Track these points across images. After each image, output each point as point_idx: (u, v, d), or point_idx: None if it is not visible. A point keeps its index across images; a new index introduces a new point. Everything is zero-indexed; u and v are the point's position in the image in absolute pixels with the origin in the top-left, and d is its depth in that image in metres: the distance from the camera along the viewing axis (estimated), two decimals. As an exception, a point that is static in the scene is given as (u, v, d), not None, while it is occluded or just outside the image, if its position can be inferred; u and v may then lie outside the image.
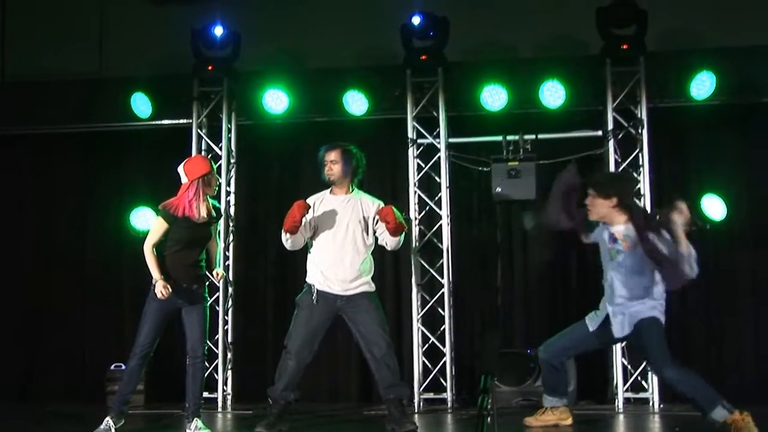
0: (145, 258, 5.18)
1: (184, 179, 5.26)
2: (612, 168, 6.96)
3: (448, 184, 7.28)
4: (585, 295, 7.30)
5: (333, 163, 5.34)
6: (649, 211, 4.93)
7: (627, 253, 4.95)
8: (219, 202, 7.29)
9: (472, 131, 7.39)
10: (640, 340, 4.95)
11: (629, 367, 6.84)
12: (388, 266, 7.65)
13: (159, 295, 5.13)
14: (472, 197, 7.71)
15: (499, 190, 7.05)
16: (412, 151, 7.35)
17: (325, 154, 5.36)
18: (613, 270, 5.02)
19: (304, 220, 5.28)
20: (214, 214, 5.37)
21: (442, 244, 7.21)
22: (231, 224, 7.55)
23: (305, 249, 5.51)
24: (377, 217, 5.31)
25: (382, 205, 5.34)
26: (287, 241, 5.33)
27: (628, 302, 4.95)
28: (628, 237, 4.96)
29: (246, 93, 7.56)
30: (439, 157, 7.29)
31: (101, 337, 7.84)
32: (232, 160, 7.62)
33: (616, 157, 7.01)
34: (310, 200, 5.45)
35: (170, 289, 5.13)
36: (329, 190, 5.46)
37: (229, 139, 7.59)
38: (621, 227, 5.00)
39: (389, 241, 5.38)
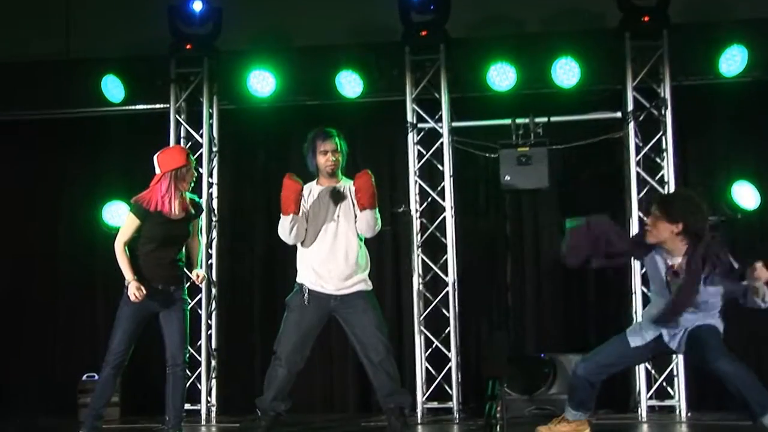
0: (117, 257, 5.18)
1: (158, 170, 5.25)
2: (632, 153, 6.95)
3: (451, 172, 7.26)
4: (604, 290, 7.40)
5: (335, 153, 5.37)
6: (735, 264, 4.79)
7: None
8: (200, 196, 7.31)
9: (478, 114, 7.38)
10: (694, 343, 4.85)
11: (653, 372, 6.82)
12: (386, 263, 7.66)
13: (132, 298, 5.12)
14: (479, 187, 7.70)
15: (507, 178, 7.04)
16: (411, 137, 7.33)
17: (321, 143, 5.36)
18: (669, 297, 4.88)
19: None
20: (192, 210, 5.36)
21: (446, 238, 7.18)
22: (213, 219, 7.52)
23: (294, 246, 5.53)
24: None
25: None
26: (290, 225, 5.25)
27: (684, 315, 4.84)
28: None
29: (228, 74, 7.55)
30: (441, 143, 7.28)
31: (73, 343, 7.83)
32: (214, 149, 7.60)
33: (637, 141, 6.99)
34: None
35: (144, 291, 5.12)
36: (315, 180, 5.47)
37: (211, 126, 7.57)
38: (682, 260, 4.81)
39: (362, 220, 5.32)
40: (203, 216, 7.01)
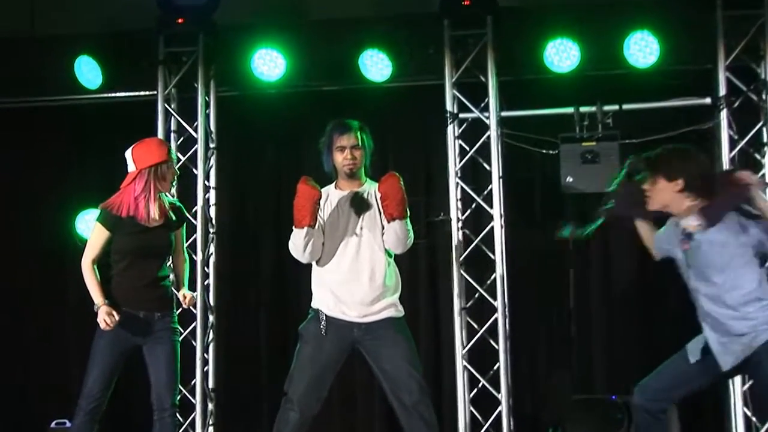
0: (84, 277, 5.17)
1: (131, 167, 5.25)
2: (725, 148, 6.94)
3: (501, 173, 7.26)
4: (690, 316, 7.30)
5: (355, 149, 5.35)
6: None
7: (708, 251, 4.88)
8: (194, 202, 7.54)
9: (533, 101, 7.40)
10: (760, 370, 4.86)
11: (754, 420, 6.75)
12: (421, 283, 7.72)
13: (102, 326, 5.09)
14: (534, 190, 7.72)
15: (570, 180, 7.10)
16: (452, 130, 7.34)
17: (339, 137, 5.36)
18: (696, 280, 4.98)
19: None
20: (173, 216, 5.35)
21: (493, 253, 7.17)
22: (211, 230, 7.55)
23: (309, 264, 5.50)
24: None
25: None
26: (305, 241, 5.24)
27: (729, 321, 4.88)
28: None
29: (229, 54, 7.59)
30: (488, 137, 7.28)
31: (40, 382, 7.88)
32: (212, 145, 7.63)
33: (731, 132, 6.98)
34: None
35: (116, 318, 5.09)
36: (333, 183, 5.47)
37: (207, 117, 7.60)
38: (694, 218, 4.94)
39: (390, 233, 5.26)
40: (199, 228, 7.38)
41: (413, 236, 5.35)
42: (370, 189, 5.44)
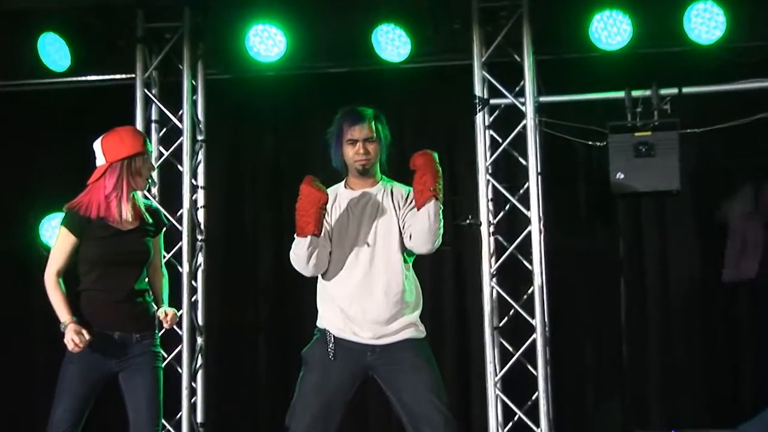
0: (48, 293, 5.12)
1: (100, 160, 5.21)
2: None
3: (539, 168, 7.25)
4: (762, 336, 7.38)
5: (369, 142, 5.30)
6: None
7: None
8: (180, 204, 7.54)
9: (577, 84, 7.41)
10: None
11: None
12: (446, 298, 7.74)
13: (70, 347, 5.02)
14: (578, 189, 7.75)
15: (620, 176, 7.08)
16: (481, 118, 7.34)
17: (349, 128, 5.31)
18: None
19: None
20: (149, 219, 5.31)
21: (531, 263, 7.16)
22: (199, 237, 7.57)
23: (314, 277, 5.39)
24: (410, 194, 5.31)
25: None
26: (308, 251, 5.17)
27: None
28: None
29: (220, 31, 7.61)
30: (524, 127, 7.26)
31: (4, 414, 7.88)
32: (200, 137, 7.65)
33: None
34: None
35: (87, 337, 5.03)
36: (343, 182, 5.43)
37: (194, 104, 7.62)
38: None
39: (421, 222, 5.18)
40: (185, 234, 7.37)
41: (440, 233, 5.24)
42: (386, 188, 5.37)
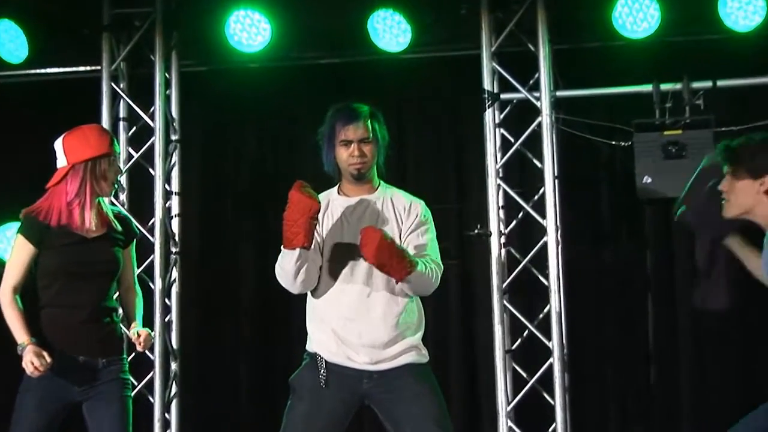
0: (2, 311, 5.09)
1: (62, 162, 5.17)
2: None
3: (556, 171, 7.23)
4: None
5: (364, 143, 5.29)
6: None
7: None
8: (151, 213, 7.53)
9: (598, 77, 7.44)
10: None
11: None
12: (452, 318, 7.78)
13: (29, 371, 4.95)
14: (600, 195, 7.76)
15: (648, 180, 7.08)
16: (491, 115, 7.31)
17: (343, 127, 5.30)
18: None
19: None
20: (118, 227, 5.28)
21: (547, 279, 7.16)
22: (174, 250, 7.57)
23: (303, 294, 5.37)
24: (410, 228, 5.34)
25: (421, 207, 5.38)
26: (296, 266, 5.16)
27: None
28: None
29: (196, 17, 7.62)
30: (539, 125, 7.25)
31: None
32: (174, 136, 7.64)
33: None
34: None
35: (48, 360, 4.96)
36: (336, 187, 5.42)
37: (168, 99, 7.63)
38: None
39: (407, 288, 5.24)
40: (157, 246, 7.40)
41: (439, 271, 5.23)
42: (385, 195, 5.38)
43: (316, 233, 5.18)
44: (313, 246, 5.14)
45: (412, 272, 5.05)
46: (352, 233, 5.23)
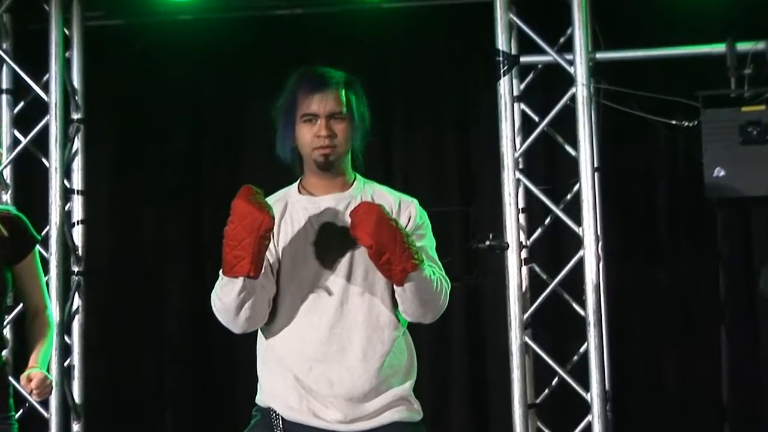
0: None
1: None
2: None
3: (596, 161, 7.30)
4: None
5: (336, 120, 5.20)
6: None
7: None
8: (44, 218, 7.53)
9: (652, 34, 7.61)
10: None
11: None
12: (455, 359, 7.95)
13: None
14: (655, 193, 7.95)
15: (720, 173, 7.17)
16: (507, 85, 7.36)
17: (306, 98, 5.21)
18: None
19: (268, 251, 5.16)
20: (4, 231, 5.23)
21: (584, 307, 7.19)
22: (76, 269, 7.65)
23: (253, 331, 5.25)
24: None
25: (414, 207, 5.34)
26: (238, 299, 5.10)
27: None
28: None
29: None
30: (573, 99, 7.29)
31: None
32: (76, 115, 7.71)
33: None
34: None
35: None
36: (297, 184, 5.36)
37: (67, 65, 7.72)
38: None
39: (405, 300, 5.17)
40: (53, 263, 7.46)
41: (447, 286, 5.21)
42: (365, 193, 5.32)
43: (268, 253, 5.14)
44: (264, 268, 5.09)
45: (418, 268, 4.99)
46: (321, 246, 5.18)
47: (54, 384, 7.00)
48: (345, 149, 5.22)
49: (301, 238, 5.19)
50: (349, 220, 5.14)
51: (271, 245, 5.13)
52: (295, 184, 5.31)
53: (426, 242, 5.22)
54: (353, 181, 5.30)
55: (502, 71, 7.31)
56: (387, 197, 5.29)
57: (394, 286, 5.10)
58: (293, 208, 5.24)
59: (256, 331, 5.25)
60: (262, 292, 5.08)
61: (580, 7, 7.22)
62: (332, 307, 5.15)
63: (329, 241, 5.18)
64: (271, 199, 5.28)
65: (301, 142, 5.18)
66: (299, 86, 5.21)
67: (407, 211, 5.29)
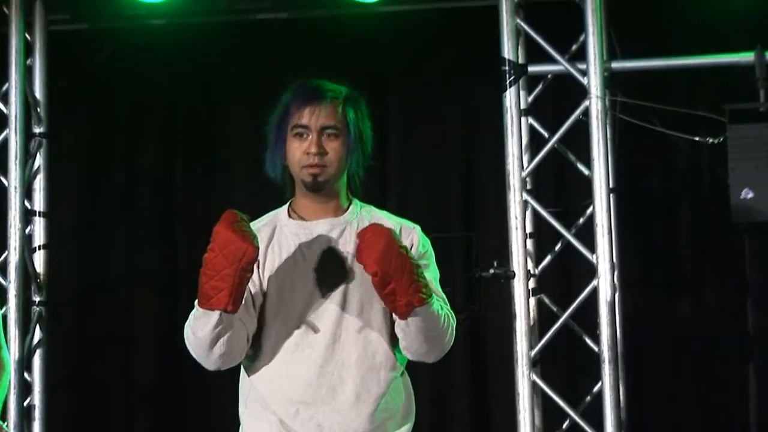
0: None
1: None
2: None
3: (612, 182, 7.29)
4: None
5: (328, 135, 5.10)
6: None
7: None
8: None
9: (672, 42, 7.63)
10: None
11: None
12: (457, 397, 7.97)
13: None
14: (677, 217, 7.94)
15: (749, 195, 7.14)
16: (514, 97, 7.28)
17: (299, 109, 5.13)
18: None
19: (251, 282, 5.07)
20: None
21: (598, 342, 7.12)
22: (37, 299, 7.54)
23: (232, 368, 5.15)
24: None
25: (417, 235, 5.23)
26: (213, 333, 4.98)
27: None
28: None
29: None
30: (586, 112, 7.19)
31: None
32: (38, 129, 7.64)
33: None
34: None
35: None
36: (287, 206, 5.24)
37: (29, 73, 7.64)
38: None
39: (408, 336, 5.06)
40: (11, 294, 7.42)
41: (453, 322, 5.10)
42: (361, 218, 5.21)
43: (250, 283, 5.02)
44: (245, 300, 4.97)
45: (426, 303, 4.85)
46: (312, 277, 5.07)
47: (12, 427, 6.86)
48: (337, 170, 5.11)
49: (289, 267, 5.10)
50: (342, 248, 5.10)
51: (255, 274, 5.00)
52: (285, 207, 5.20)
53: (430, 273, 5.09)
54: (349, 205, 5.21)
55: (508, 82, 7.23)
56: (387, 223, 5.12)
57: (397, 320, 4.99)
58: (282, 234, 5.15)
59: (238, 369, 5.15)
60: (240, 327, 4.98)
61: (594, 12, 7.16)
62: (323, 344, 5.04)
63: (321, 270, 5.08)
64: (257, 223, 5.21)
65: (290, 158, 5.10)
66: (293, 97, 5.14)
67: (409, 238, 5.16)
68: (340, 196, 5.15)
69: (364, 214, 5.17)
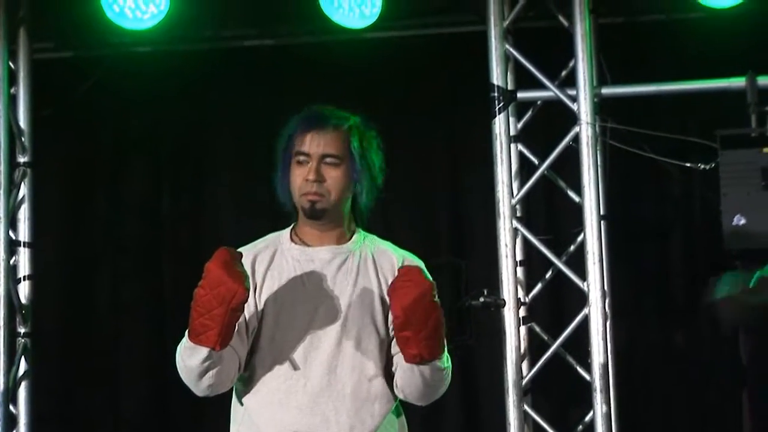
0: None
1: None
2: None
3: (602, 209, 7.37)
4: None
5: (329, 164, 5.15)
6: None
7: None
8: None
9: (662, 67, 7.72)
10: None
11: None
12: (447, 428, 8.04)
13: None
14: (669, 244, 8.01)
15: (741, 222, 7.18)
16: (503, 124, 7.36)
17: (302, 134, 5.18)
18: None
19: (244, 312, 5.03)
20: None
21: (590, 372, 7.18)
22: (22, 330, 7.63)
23: (224, 395, 5.17)
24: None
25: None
26: (202, 367, 5.06)
27: None
28: None
29: None
30: (576, 138, 7.29)
31: None
32: (22, 158, 7.77)
33: None
34: (245, 259, 5.25)
35: None
36: (290, 230, 5.26)
37: (13, 102, 7.73)
38: None
39: (409, 378, 5.15)
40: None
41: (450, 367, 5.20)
42: (364, 249, 5.26)
43: (246, 306, 5.01)
44: (237, 326, 5.01)
45: (436, 359, 4.95)
46: (309, 303, 5.10)
47: (-6, 463, 6.99)
48: (336, 198, 5.14)
49: (288, 293, 5.14)
50: (343, 277, 5.14)
51: (251, 299, 5.02)
52: (287, 230, 5.25)
53: None
54: (352, 235, 5.24)
55: (497, 108, 7.32)
56: (390, 255, 5.25)
57: (401, 359, 5.04)
58: (283, 258, 5.19)
59: (228, 397, 5.20)
60: (230, 358, 5.05)
61: (584, 38, 7.26)
62: (318, 374, 5.08)
63: (320, 299, 5.13)
64: (258, 244, 5.28)
65: (291, 184, 5.15)
66: (298, 123, 5.19)
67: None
68: (342, 225, 5.20)
69: (368, 244, 5.23)
